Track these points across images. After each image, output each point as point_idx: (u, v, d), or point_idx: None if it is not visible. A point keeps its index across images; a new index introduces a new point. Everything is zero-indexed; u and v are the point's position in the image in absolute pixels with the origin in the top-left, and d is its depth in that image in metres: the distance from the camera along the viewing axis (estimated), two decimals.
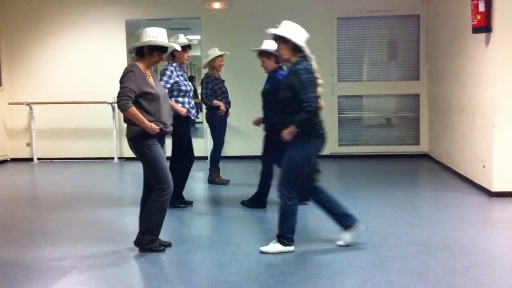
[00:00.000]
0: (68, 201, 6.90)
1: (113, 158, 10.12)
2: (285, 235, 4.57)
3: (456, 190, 6.97)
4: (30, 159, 10.35)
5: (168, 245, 4.77)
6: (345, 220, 4.70)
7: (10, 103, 10.26)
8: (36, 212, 6.57)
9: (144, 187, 4.81)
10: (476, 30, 6.52)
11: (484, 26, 6.34)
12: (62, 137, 10.36)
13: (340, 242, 4.71)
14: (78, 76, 10.23)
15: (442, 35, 8.62)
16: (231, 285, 3.90)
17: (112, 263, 4.46)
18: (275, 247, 4.58)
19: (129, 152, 9.80)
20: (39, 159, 10.32)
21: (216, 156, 7.61)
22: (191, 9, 9.97)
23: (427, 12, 9.62)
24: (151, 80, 4.61)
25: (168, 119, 4.69)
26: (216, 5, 9.87)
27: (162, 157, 4.60)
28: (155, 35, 4.58)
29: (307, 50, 4.54)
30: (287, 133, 4.47)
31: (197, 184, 7.68)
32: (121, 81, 4.53)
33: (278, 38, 4.55)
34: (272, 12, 9.83)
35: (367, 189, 7.12)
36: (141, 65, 4.61)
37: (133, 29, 10.70)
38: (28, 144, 10.44)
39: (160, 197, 4.57)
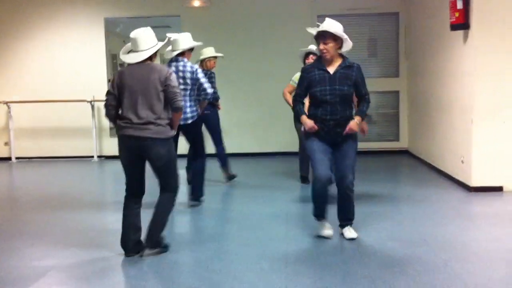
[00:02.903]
0: (48, 200, 6.82)
1: (92, 156, 10.04)
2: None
3: (435, 185, 7.04)
4: (8, 159, 10.23)
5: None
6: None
7: None
8: (15, 212, 6.49)
9: (134, 194, 4.54)
10: (454, 27, 6.58)
11: (462, 23, 6.40)
12: (41, 136, 10.25)
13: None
14: (56, 75, 10.13)
15: (421, 33, 8.69)
16: (213, 284, 3.89)
17: (92, 262, 4.41)
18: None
19: (108, 151, 9.86)
20: (17, 158, 10.19)
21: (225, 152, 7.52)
22: (171, 7, 9.92)
23: (406, 10, 9.68)
24: None
25: None
26: (196, 3, 9.84)
27: None
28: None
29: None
30: (356, 125, 4.70)
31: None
32: (170, 82, 4.43)
33: (330, 36, 4.64)
34: (252, 11, 9.85)
35: None
36: None
37: (112, 27, 10.63)
38: (6, 144, 10.31)
39: (176, 196, 4.58)
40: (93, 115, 9.97)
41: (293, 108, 4.98)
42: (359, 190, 6.85)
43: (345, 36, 4.65)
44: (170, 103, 4.42)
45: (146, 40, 4.44)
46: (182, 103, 4.51)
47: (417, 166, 8.64)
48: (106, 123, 10.13)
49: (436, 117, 7.91)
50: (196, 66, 6.01)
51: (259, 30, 9.89)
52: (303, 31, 10.13)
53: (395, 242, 4.71)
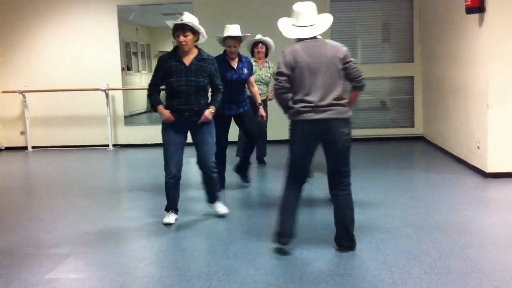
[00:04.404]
0: (64, 188, 6.88)
1: (107, 145, 10.09)
2: None
3: (451, 171, 6.99)
4: (24, 148, 10.32)
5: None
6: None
7: (3, 92, 10.21)
8: (32, 200, 6.56)
9: (300, 181, 4.18)
10: (469, 10, 6.50)
11: (477, 6, 6.32)
12: (56, 125, 10.32)
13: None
14: (71, 63, 10.18)
15: (436, 16, 8.59)
16: (229, 269, 3.91)
17: (108, 250, 4.45)
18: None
19: (123, 139, 9.87)
20: (33, 147, 10.28)
21: None
22: None
23: None
24: None
25: None
26: None
27: None
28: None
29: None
30: (211, 114, 5.02)
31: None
32: (350, 58, 4.15)
33: (189, 29, 4.82)
34: None
35: (362, 172, 7.12)
36: None
37: (125, 15, 10.62)
38: (22, 133, 10.41)
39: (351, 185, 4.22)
40: (107, 104, 10.01)
41: (149, 97, 5.06)
42: (374, 176, 6.85)
43: (202, 29, 4.89)
44: (354, 81, 4.11)
45: (315, 14, 4.12)
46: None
47: (432, 152, 8.58)
48: (121, 111, 10.20)
49: (451, 102, 7.84)
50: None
51: (273, 17, 9.70)
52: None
53: (410, 228, 4.70)
